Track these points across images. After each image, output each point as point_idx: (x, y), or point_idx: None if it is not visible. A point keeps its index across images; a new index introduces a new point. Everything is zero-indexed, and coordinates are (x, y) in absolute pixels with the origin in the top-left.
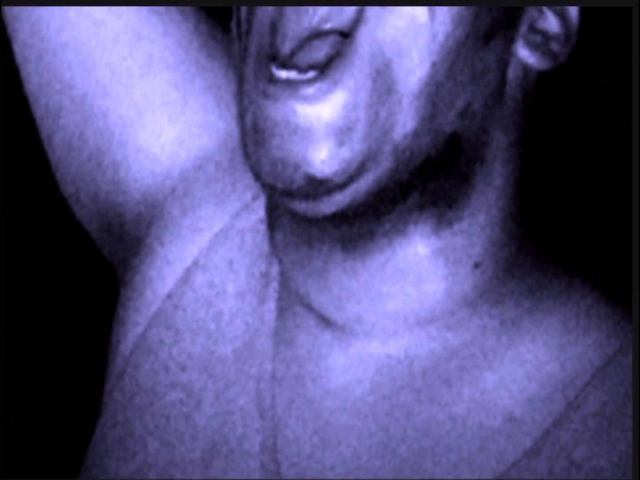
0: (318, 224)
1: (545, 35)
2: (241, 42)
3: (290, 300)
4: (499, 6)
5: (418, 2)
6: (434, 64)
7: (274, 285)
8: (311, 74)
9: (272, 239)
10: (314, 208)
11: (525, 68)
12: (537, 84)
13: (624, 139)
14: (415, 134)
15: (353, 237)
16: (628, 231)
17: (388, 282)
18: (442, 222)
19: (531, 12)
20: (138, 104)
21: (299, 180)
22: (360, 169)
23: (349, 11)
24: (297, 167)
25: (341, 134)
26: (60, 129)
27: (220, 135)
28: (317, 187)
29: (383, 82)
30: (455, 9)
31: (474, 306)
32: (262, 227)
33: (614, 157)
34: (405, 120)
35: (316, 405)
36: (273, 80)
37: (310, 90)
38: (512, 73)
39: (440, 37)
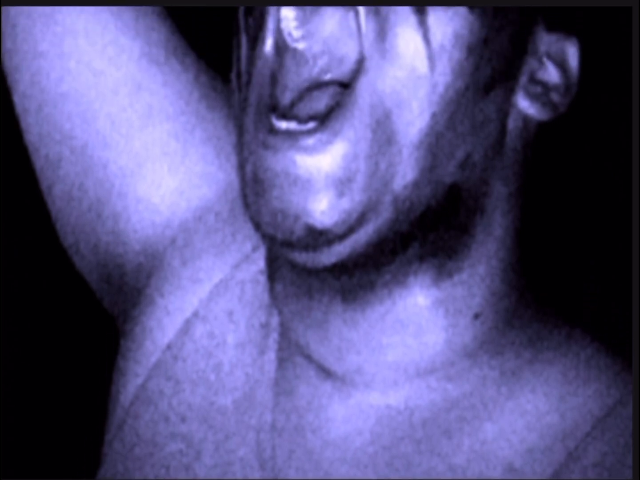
0: (318, 275)
1: (545, 86)
2: (241, 93)
3: (290, 351)
4: (499, 57)
5: (418, 3)
6: (434, 115)
7: (274, 336)
8: (311, 124)
9: (272, 289)
10: (314, 259)
11: (526, 119)
12: (537, 135)
13: (624, 188)
14: (415, 184)
15: (353, 288)
16: (628, 282)
17: (388, 333)
18: (442, 273)
19: (531, 62)
20: (138, 155)
21: (299, 231)
22: (360, 220)
23: (349, 62)
24: (297, 217)
25: (341, 184)
26: (60, 180)
27: (220, 186)
28: (317, 237)
29: (383, 133)
30: (455, 60)
31: (474, 357)
32: (262, 278)
33: (614, 206)
34: (405, 171)
35: (316, 455)
36: (273, 131)
37: (310, 141)
38: (512, 124)
39: (440, 88)
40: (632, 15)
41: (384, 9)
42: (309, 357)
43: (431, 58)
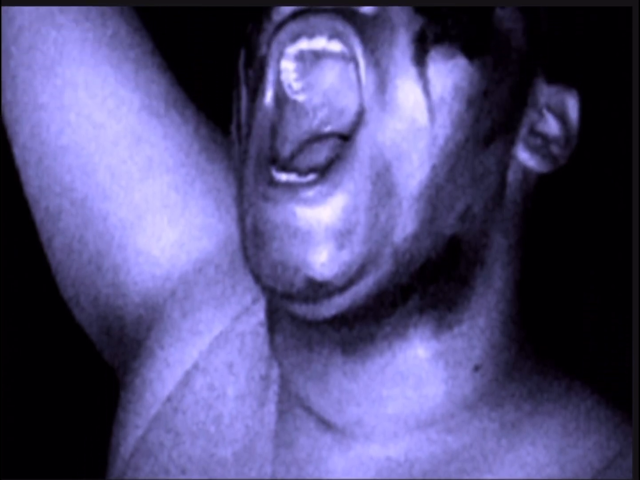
0: (318, 327)
1: (546, 138)
2: (241, 145)
3: (290, 403)
4: (499, 109)
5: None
6: (434, 167)
7: (274, 388)
8: (311, 176)
9: (272, 341)
10: (314, 311)
11: (525, 171)
12: (537, 187)
13: (624, 240)
14: (415, 236)
15: (353, 340)
16: (628, 335)
17: (388, 385)
18: (442, 325)
19: (531, 114)
20: (138, 207)
21: (299, 283)
22: (360, 272)
23: (349, 114)
24: (297, 269)
25: (341, 236)
26: (60, 232)
27: (220, 238)
28: (317, 289)
29: (383, 185)
30: (455, 112)
31: (474, 409)
32: (262, 330)
33: (615, 257)
34: (405, 223)
35: None
36: (273, 183)
37: (310, 193)
38: (512, 176)
39: (440, 140)
40: (632, 15)
41: (384, 61)
42: (309, 409)
43: (431, 110)
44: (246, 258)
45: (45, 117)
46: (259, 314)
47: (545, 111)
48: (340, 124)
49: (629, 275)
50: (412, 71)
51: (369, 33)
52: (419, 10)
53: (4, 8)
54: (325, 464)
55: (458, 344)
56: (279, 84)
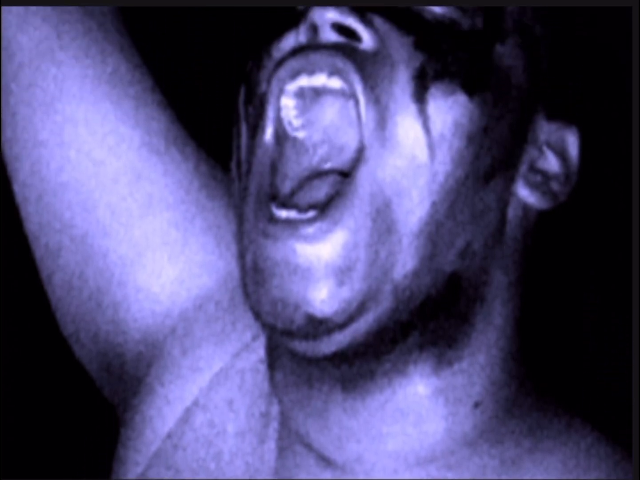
0: (318, 364)
1: (545, 175)
2: (241, 182)
3: (290, 440)
4: (499, 146)
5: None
6: (434, 204)
7: (274, 424)
8: (311, 213)
9: (272, 378)
10: (314, 348)
11: (525, 207)
12: (537, 223)
13: (625, 277)
14: (415, 273)
15: (353, 376)
16: (629, 371)
17: (388, 422)
18: (442, 362)
19: (531, 151)
20: (138, 244)
21: (299, 319)
22: (360, 309)
23: (349, 151)
24: (297, 306)
25: (341, 273)
26: (60, 269)
27: (220, 275)
28: (317, 326)
29: (383, 222)
30: (455, 148)
31: (474, 446)
32: (262, 367)
33: (615, 293)
34: (405, 260)
35: None
36: (273, 219)
37: (310, 229)
38: (512, 212)
39: (440, 177)
40: (632, 15)
41: (384, 98)
42: (309, 446)
43: (431, 147)
44: (246, 295)
45: (45, 154)
46: (259, 350)
47: (545, 148)
48: (340, 161)
49: (628, 315)
50: (412, 108)
51: (369, 70)
52: (419, 46)
53: (3, 44)
54: None
55: (458, 380)
56: (279, 121)
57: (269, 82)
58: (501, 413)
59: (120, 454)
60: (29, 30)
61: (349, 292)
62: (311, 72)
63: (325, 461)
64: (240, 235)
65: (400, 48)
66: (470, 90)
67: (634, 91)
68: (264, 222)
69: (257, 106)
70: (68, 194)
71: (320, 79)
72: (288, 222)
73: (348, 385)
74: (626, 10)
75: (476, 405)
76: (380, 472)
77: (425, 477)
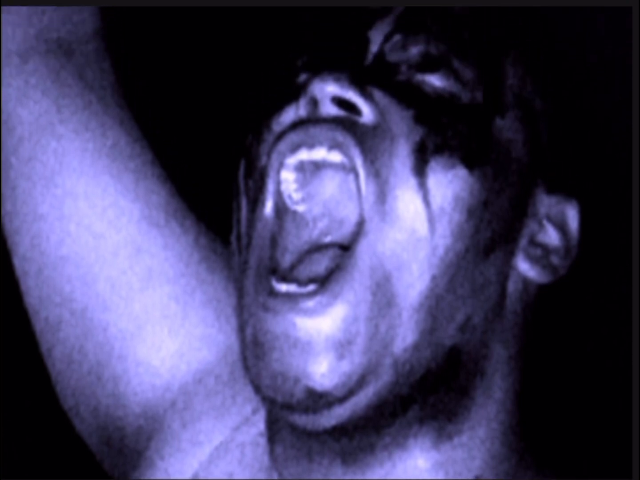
0: (318, 437)
1: (546, 249)
2: (241, 255)
3: None
4: (499, 219)
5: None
6: (434, 278)
7: None
8: (311, 287)
9: (272, 452)
10: (314, 421)
11: (525, 281)
12: (537, 297)
13: (626, 346)
14: (415, 347)
15: (353, 450)
16: (629, 445)
17: None
18: (442, 436)
19: (531, 225)
20: (138, 318)
21: (299, 393)
22: (360, 382)
23: (349, 224)
24: (297, 380)
25: (341, 347)
26: (60, 342)
27: (220, 349)
28: (317, 400)
29: (383, 295)
30: (455, 222)
31: None
32: (262, 441)
33: (615, 364)
34: (405, 334)
35: None
36: (273, 293)
37: (310, 303)
38: (512, 286)
39: (441, 251)
40: (632, 15)
41: (384, 171)
42: None
43: (431, 220)
44: (246, 368)
45: (45, 228)
46: (259, 424)
47: (545, 221)
48: (340, 235)
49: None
50: (412, 181)
51: (369, 143)
52: (419, 120)
53: (3, 118)
54: None
55: (458, 454)
56: (279, 194)
57: (269, 155)
58: None
59: None
60: (29, 104)
61: (349, 365)
62: (311, 145)
63: None
64: (240, 309)
65: (400, 122)
66: (470, 164)
67: (634, 92)
68: (264, 295)
69: (257, 180)
70: (68, 267)
71: (320, 153)
72: (288, 295)
73: (348, 459)
74: (626, 10)
75: (476, 478)
76: None
77: None
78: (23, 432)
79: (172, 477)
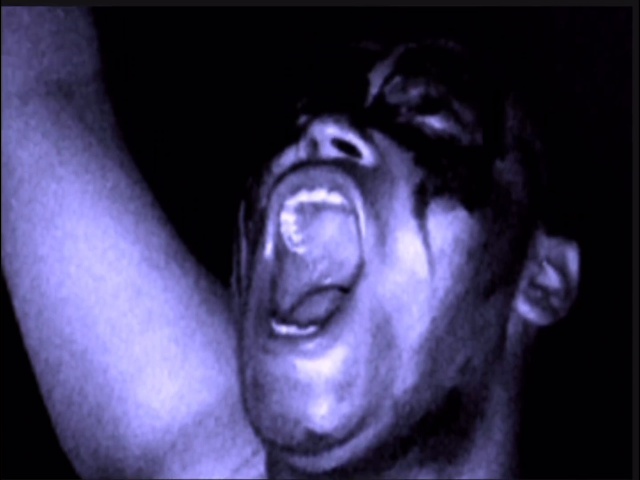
0: (318, 479)
1: (546, 291)
2: (241, 297)
3: None
4: (500, 261)
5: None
6: (434, 320)
7: None
8: (311, 329)
9: None
10: (314, 463)
11: (526, 323)
12: (537, 339)
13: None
14: (415, 389)
15: None
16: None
17: None
18: (442, 477)
19: (531, 267)
20: (138, 360)
21: (299, 435)
22: (360, 424)
23: (349, 266)
24: (297, 422)
25: (341, 389)
26: (60, 384)
27: (220, 391)
28: (317, 442)
29: (383, 337)
30: (455, 264)
31: None
32: None
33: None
34: (405, 376)
35: None
36: (273, 335)
37: (310, 345)
38: (512, 328)
39: (441, 293)
40: (632, 15)
41: (384, 213)
42: None
43: (431, 262)
44: (246, 410)
45: (45, 270)
46: (259, 466)
47: (545, 264)
48: (340, 277)
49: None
50: (412, 223)
51: (369, 185)
52: (419, 162)
53: (3, 160)
54: None
55: None
56: (279, 236)
57: (269, 197)
58: None
59: None
60: (29, 146)
61: (349, 407)
62: (311, 187)
63: None
64: (240, 351)
65: (400, 163)
66: (470, 206)
67: (634, 92)
68: (264, 337)
69: (257, 221)
70: (68, 309)
71: (320, 195)
72: (288, 337)
73: None
74: (626, 10)
75: None
76: None
77: None
78: (25, 475)
79: None
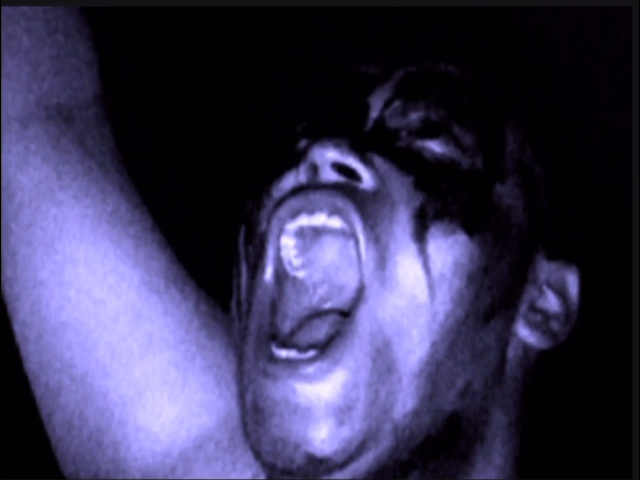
0: None
1: (546, 315)
2: (241, 321)
3: None
4: (499, 285)
5: None
6: (434, 344)
7: None
8: (311, 353)
9: None
10: None
11: (525, 347)
12: (537, 363)
13: (626, 412)
14: (415, 413)
15: None
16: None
17: None
18: None
19: (531, 291)
20: (138, 384)
21: (299, 459)
22: (360, 448)
23: (349, 290)
24: (297, 446)
25: (341, 413)
26: (60, 408)
27: (220, 415)
28: (317, 466)
29: (383, 361)
30: (455, 288)
31: None
32: None
33: (615, 434)
34: (405, 400)
35: None
36: (273, 359)
37: (310, 369)
38: (512, 352)
39: (441, 317)
40: (632, 15)
41: (384, 237)
42: None
43: (431, 286)
44: (246, 434)
45: (45, 294)
46: None
47: (545, 287)
48: (340, 301)
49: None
50: (412, 247)
51: (369, 209)
52: (419, 186)
53: (4, 184)
54: None
55: None
56: (279, 260)
57: (269, 221)
58: None
59: None
60: (29, 171)
61: (349, 431)
62: (311, 211)
63: None
64: (240, 375)
65: (400, 187)
66: (470, 230)
67: (634, 92)
68: (264, 361)
69: (257, 245)
70: (68, 333)
71: (320, 219)
72: (288, 361)
73: None
74: (626, 11)
75: None
76: None
77: None
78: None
79: None
